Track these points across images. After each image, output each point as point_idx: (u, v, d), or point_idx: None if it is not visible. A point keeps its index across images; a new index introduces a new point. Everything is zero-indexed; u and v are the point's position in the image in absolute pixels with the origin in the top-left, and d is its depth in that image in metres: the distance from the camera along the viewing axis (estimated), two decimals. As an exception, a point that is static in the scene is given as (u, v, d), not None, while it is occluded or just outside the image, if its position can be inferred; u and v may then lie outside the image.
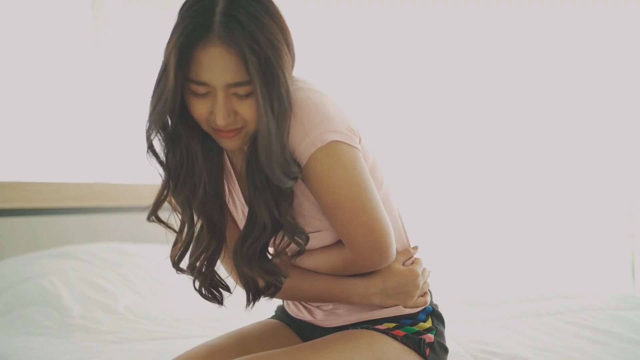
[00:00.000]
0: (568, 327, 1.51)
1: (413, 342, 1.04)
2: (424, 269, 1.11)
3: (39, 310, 1.68)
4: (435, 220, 2.86)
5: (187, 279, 2.34)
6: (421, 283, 1.08)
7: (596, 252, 2.50)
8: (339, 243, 1.04)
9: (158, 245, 2.44)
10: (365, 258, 1.00)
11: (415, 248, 1.14)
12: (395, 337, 1.04)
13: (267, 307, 1.48)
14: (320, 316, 1.12)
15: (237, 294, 2.25)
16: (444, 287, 2.12)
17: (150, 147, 0.96)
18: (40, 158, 2.47)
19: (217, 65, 0.88)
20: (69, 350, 1.44)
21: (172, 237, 1.06)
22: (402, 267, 1.07)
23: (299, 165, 0.94)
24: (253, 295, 1.02)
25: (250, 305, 1.04)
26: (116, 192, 2.61)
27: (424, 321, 1.09)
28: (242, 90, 0.89)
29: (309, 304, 1.13)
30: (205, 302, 2.11)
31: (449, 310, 1.74)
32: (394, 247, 1.02)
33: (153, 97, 0.94)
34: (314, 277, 1.05)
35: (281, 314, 1.22)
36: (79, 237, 2.40)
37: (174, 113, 0.93)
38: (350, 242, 0.99)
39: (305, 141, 0.92)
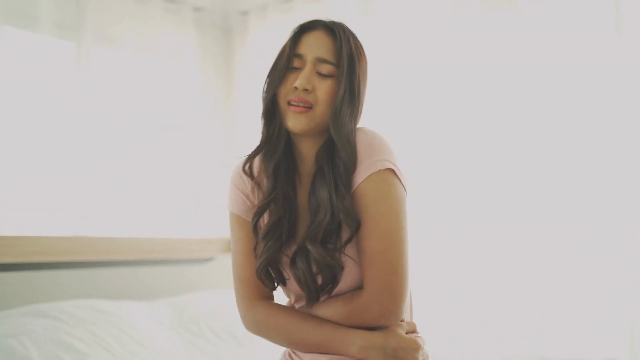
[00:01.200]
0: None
1: None
2: (425, 349, 1.12)
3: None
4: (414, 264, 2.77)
5: (163, 337, 2.27)
6: (420, 358, 1.08)
7: (592, 307, 2.42)
8: (348, 293, 1.10)
9: (133, 302, 2.37)
10: (377, 300, 1.05)
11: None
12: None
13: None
14: None
15: (219, 355, 2.16)
16: (446, 341, 2.08)
17: (264, 114, 1.17)
18: (14, 211, 2.41)
19: (314, 42, 1.13)
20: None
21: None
22: (405, 335, 1.09)
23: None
24: (314, 293, 1.09)
25: (311, 305, 1.12)
26: (92, 247, 2.55)
27: None
28: (325, 69, 1.12)
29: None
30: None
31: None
32: (405, 304, 1.07)
33: (269, 75, 1.16)
34: (319, 322, 1.10)
35: None
36: (52, 293, 2.32)
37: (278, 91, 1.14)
38: (371, 276, 1.05)
39: (369, 161, 1.07)
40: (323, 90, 1.10)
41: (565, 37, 2.47)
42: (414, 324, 1.15)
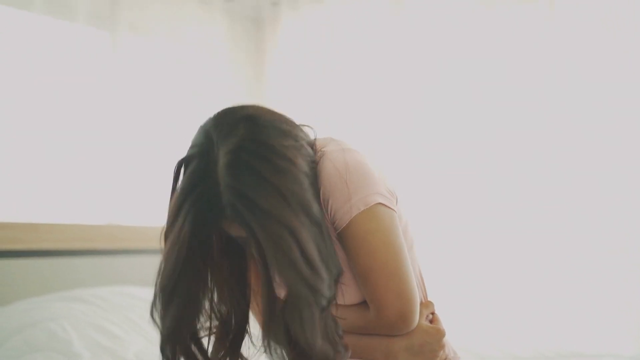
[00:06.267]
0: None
1: None
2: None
3: (47, 356, 1.64)
4: (438, 263, 2.82)
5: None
6: (445, 342, 1.06)
7: (610, 301, 2.42)
8: (361, 304, 1.03)
9: (167, 290, 2.40)
10: (390, 323, 0.99)
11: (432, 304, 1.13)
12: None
13: None
14: None
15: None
16: (454, 337, 2.07)
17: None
18: (52, 200, 2.47)
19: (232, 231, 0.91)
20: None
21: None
22: (428, 324, 1.07)
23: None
24: None
25: None
26: (126, 235, 2.60)
27: None
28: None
29: None
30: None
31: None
32: (418, 314, 1.02)
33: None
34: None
35: None
36: (89, 279, 2.37)
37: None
38: (378, 306, 0.98)
39: (348, 204, 0.94)
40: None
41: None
42: (431, 304, 1.12)
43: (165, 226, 0.89)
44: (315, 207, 0.87)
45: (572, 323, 2.47)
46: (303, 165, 0.88)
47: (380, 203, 0.95)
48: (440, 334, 1.05)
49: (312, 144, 0.97)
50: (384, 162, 3.04)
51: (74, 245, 2.37)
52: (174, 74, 2.97)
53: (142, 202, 2.76)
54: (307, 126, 1.00)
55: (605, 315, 2.41)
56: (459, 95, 2.78)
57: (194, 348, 0.94)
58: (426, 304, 1.10)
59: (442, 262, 2.79)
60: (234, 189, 0.82)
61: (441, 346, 1.05)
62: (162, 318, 0.88)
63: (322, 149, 0.97)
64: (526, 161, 2.59)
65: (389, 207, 0.98)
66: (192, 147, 0.89)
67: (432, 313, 1.11)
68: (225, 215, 0.84)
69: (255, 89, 3.41)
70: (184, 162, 0.89)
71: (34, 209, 2.39)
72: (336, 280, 0.89)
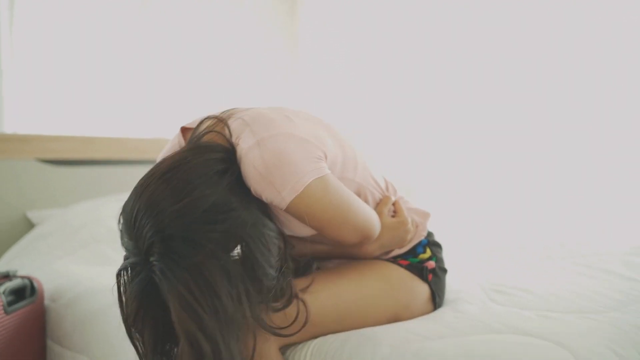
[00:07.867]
0: (576, 268, 1.61)
1: (417, 269, 1.20)
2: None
3: (109, 246, 1.94)
4: (454, 169, 2.96)
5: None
6: (410, 226, 1.18)
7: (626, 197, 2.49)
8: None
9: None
10: (354, 245, 1.10)
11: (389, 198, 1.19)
12: (400, 265, 1.19)
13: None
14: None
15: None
16: (467, 233, 2.25)
17: None
18: (110, 116, 2.72)
19: None
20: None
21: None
22: (391, 220, 1.15)
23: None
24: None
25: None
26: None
27: (424, 253, 1.23)
28: None
29: None
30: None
31: (468, 253, 1.89)
32: (378, 227, 1.08)
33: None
34: (315, 244, 1.14)
35: None
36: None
37: None
38: (341, 242, 1.04)
39: (279, 197, 0.93)
40: None
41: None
42: (388, 199, 1.17)
43: (129, 318, 0.94)
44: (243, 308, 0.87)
45: (579, 219, 2.58)
46: (219, 253, 0.86)
47: (309, 183, 0.94)
48: (403, 225, 1.15)
49: (226, 149, 0.96)
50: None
51: (127, 155, 2.62)
52: (207, 28, 3.10)
53: (185, 118, 3.00)
54: (214, 118, 1.03)
55: (611, 211, 2.48)
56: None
57: None
58: (384, 201, 1.16)
59: (461, 163, 2.94)
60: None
61: (407, 231, 1.17)
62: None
63: (239, 143, 0.96)
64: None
65: (320, 176, 0.96)
66: (126, 257, 0.93)
67: (393, 204, 1.19)
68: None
69: (289, 33, 3.50)
70: (125, 271, 0.93)
71: (95, 124, 2.65)
72: None
